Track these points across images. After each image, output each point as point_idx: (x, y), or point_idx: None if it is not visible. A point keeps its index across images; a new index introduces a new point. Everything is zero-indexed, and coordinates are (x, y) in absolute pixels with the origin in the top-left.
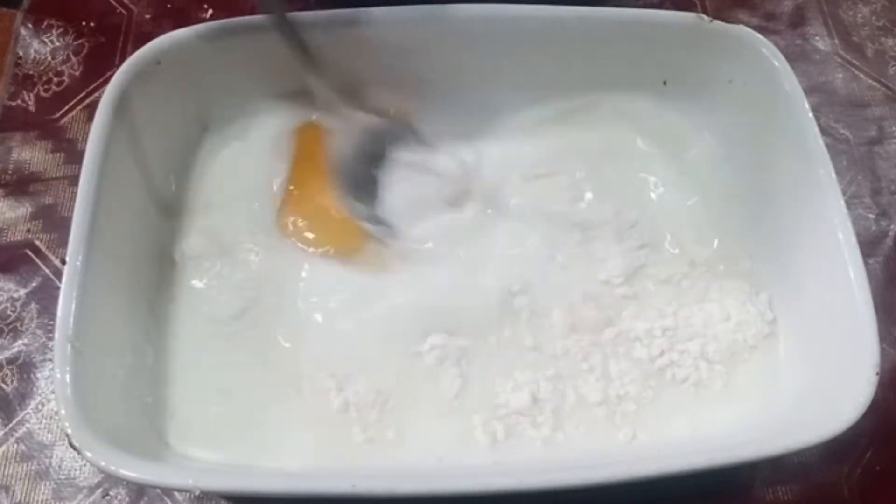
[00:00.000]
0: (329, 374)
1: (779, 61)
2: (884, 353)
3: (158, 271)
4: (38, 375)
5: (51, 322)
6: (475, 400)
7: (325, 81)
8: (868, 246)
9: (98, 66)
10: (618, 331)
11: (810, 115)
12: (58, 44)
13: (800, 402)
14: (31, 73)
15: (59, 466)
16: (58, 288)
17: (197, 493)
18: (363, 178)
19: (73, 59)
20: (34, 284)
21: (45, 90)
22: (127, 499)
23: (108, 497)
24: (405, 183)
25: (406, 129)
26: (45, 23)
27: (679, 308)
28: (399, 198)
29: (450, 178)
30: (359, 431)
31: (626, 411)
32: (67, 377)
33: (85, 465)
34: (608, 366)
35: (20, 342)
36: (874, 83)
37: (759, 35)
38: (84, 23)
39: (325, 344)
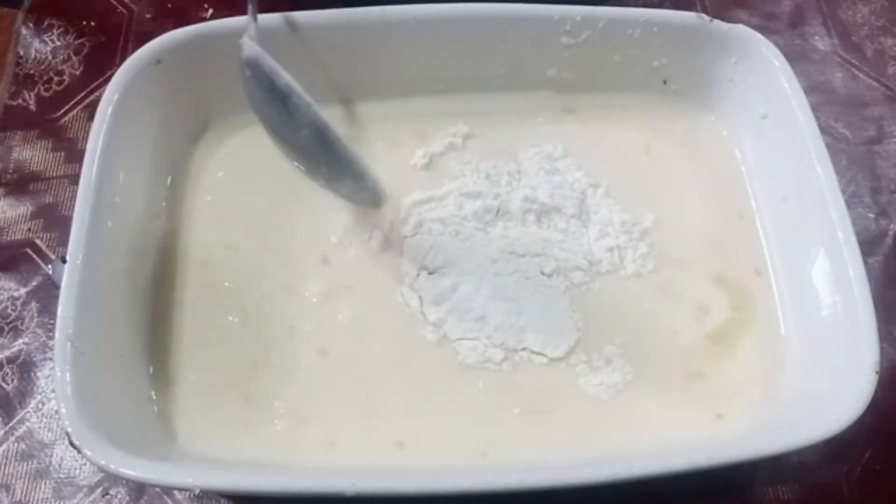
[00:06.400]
0: (340, 368)
1: (778, 61)
2: (883, 353)
3: (159, 270)
4: (39, 374)
5: (51, 321)
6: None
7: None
8: (868, 245)
9: (98, 65)
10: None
11: (810, 114)
12: (58, 43)
13: (800, 401)
14: (31, 72)
15: (60, 465)
16: (58, 287)
17: (197, 491)
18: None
19: (74, 58)
20: (34, 283)
21: (46, 89)
22: (127, 497)
23: (108, 496)
24: None
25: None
26: (46, 22)
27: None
28: None
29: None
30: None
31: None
32: (67, 376)
33: (85, 463)
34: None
35: (20, 341)
36: (873, 83)
37: (758, 34)
38: (85, 22)
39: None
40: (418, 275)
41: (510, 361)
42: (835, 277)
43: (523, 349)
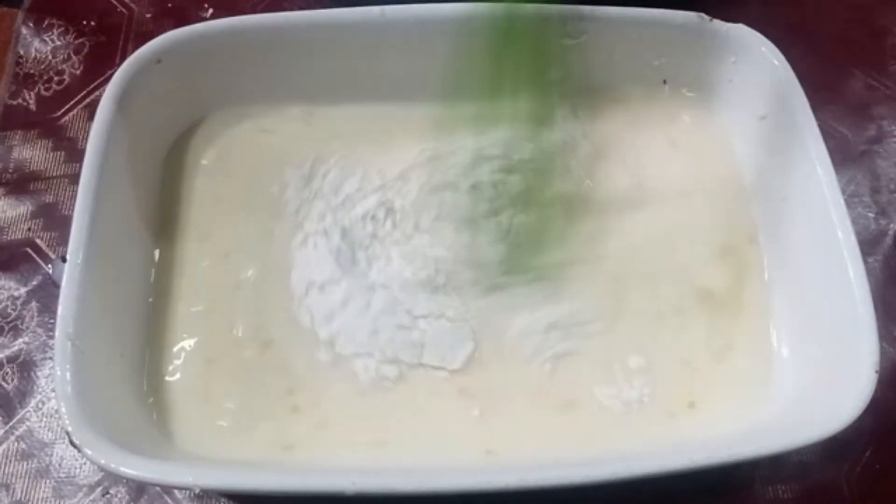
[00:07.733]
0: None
1: (778, 60)
2: (883, 352)
3: (159, 269)
4: (39, 374)
5: (51, 320)
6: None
7: None
8: (868, 245)
9: (99, 64)
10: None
11: (810, 114)
12: (59, 43)
13: (799, 400)
14: (31, 71)
15: (60, 465)
16: (58, 286)
17: (197, 491)
18: None
19: (74, 57)
20: (35, 283)
21: (46, 89)
22: (127, 497)
23: (108, 495)
24: None
25: None
26: (46, 22)
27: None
28: None
29: None
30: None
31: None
32: (68, 375)
33: (85, 463)
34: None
35: (21, 340)
36: (874, 82)
37: (758, 34)
38: (85, 22)
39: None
40: (307, 291)
41: (412, 374)
42: (834, 277)
43: (420, 364)
